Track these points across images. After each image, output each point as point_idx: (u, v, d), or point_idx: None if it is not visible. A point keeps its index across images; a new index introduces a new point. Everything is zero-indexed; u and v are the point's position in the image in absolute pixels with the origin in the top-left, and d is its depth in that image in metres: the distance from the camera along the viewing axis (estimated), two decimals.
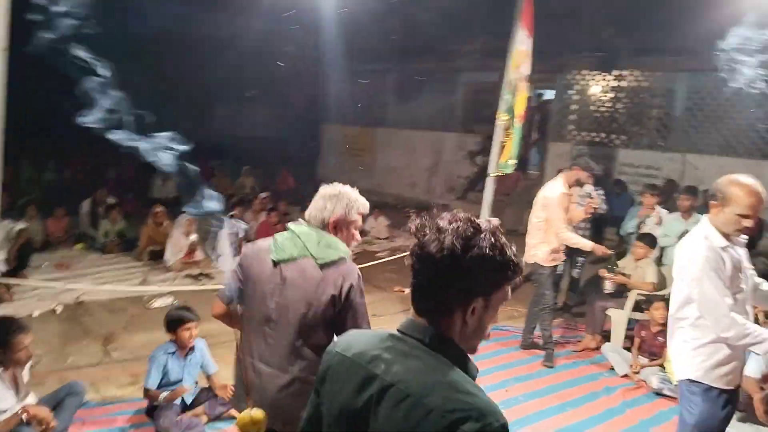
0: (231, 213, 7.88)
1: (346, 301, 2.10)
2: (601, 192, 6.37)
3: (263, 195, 9.22)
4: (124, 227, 8.26)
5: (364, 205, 2.29)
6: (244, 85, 14.23)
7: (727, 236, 2.64)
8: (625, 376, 4.94)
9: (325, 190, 2.26)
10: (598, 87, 10.92)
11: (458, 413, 1.11)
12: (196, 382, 4.03)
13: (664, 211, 6.34)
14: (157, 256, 7.40)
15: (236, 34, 11.22)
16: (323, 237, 2.16)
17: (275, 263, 2.16)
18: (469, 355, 1.29)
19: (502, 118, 5.47)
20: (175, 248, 7.11)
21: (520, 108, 5.38)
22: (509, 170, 5.58)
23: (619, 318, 5.40)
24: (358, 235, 2.28)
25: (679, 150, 9.75)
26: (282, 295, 2.14)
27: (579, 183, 5.29)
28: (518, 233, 10.53)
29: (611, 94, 10.78)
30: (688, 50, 9.10)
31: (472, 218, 1.27)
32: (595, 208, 5.50)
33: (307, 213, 2.25)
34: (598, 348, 5.42)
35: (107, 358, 4.83)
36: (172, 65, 11.96)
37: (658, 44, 9.54)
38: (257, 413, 2.04)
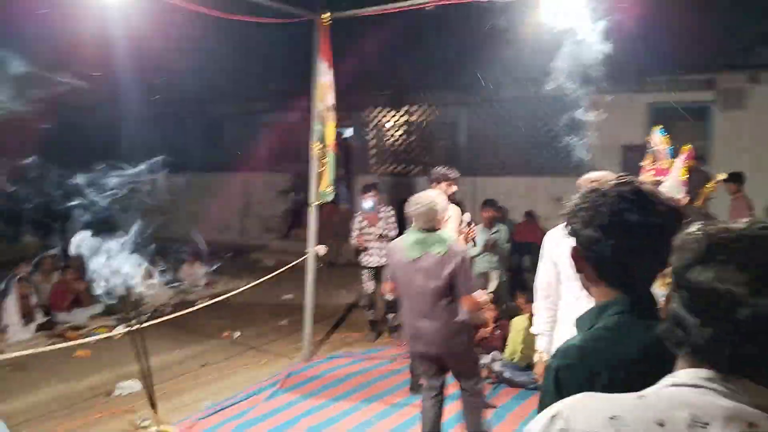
0: (14, 275, 6.83)
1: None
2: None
3: (52, 251, 8.16)
4: None
5: None
6: None
7: None
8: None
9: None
10: (391, 122, 11.85)
11: None
12: None
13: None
14: None
15: None
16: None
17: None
18: None
19: (316, 148, 5.68)
20: None
21: (330, 137, 5.65)
22: (329, 198, 5.79)
23: None
24: None
25: (468, 174, 10.92)
26: None
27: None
28: (336, 266, 10.88)
29: (404, 128, 11.76)
30: (465, 86, 10.35)
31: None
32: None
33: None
34: None
35: None
36: None
37: (440, 81, 10.69)
38: None
